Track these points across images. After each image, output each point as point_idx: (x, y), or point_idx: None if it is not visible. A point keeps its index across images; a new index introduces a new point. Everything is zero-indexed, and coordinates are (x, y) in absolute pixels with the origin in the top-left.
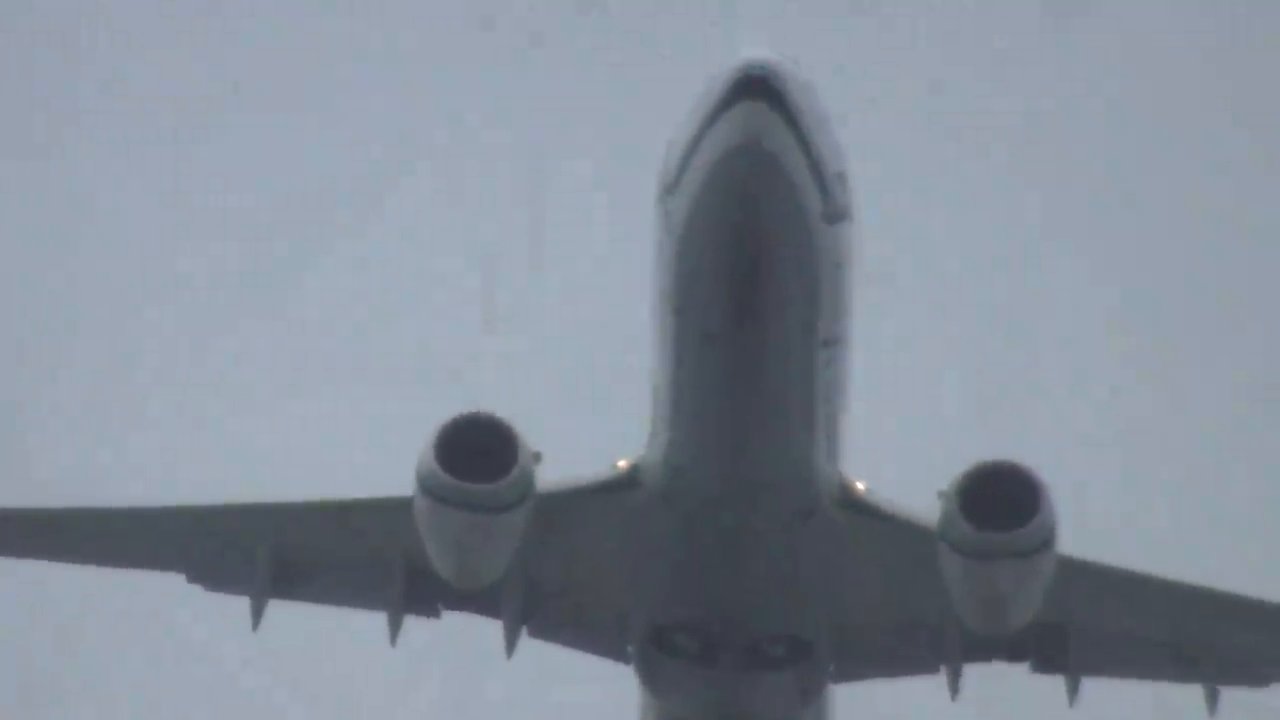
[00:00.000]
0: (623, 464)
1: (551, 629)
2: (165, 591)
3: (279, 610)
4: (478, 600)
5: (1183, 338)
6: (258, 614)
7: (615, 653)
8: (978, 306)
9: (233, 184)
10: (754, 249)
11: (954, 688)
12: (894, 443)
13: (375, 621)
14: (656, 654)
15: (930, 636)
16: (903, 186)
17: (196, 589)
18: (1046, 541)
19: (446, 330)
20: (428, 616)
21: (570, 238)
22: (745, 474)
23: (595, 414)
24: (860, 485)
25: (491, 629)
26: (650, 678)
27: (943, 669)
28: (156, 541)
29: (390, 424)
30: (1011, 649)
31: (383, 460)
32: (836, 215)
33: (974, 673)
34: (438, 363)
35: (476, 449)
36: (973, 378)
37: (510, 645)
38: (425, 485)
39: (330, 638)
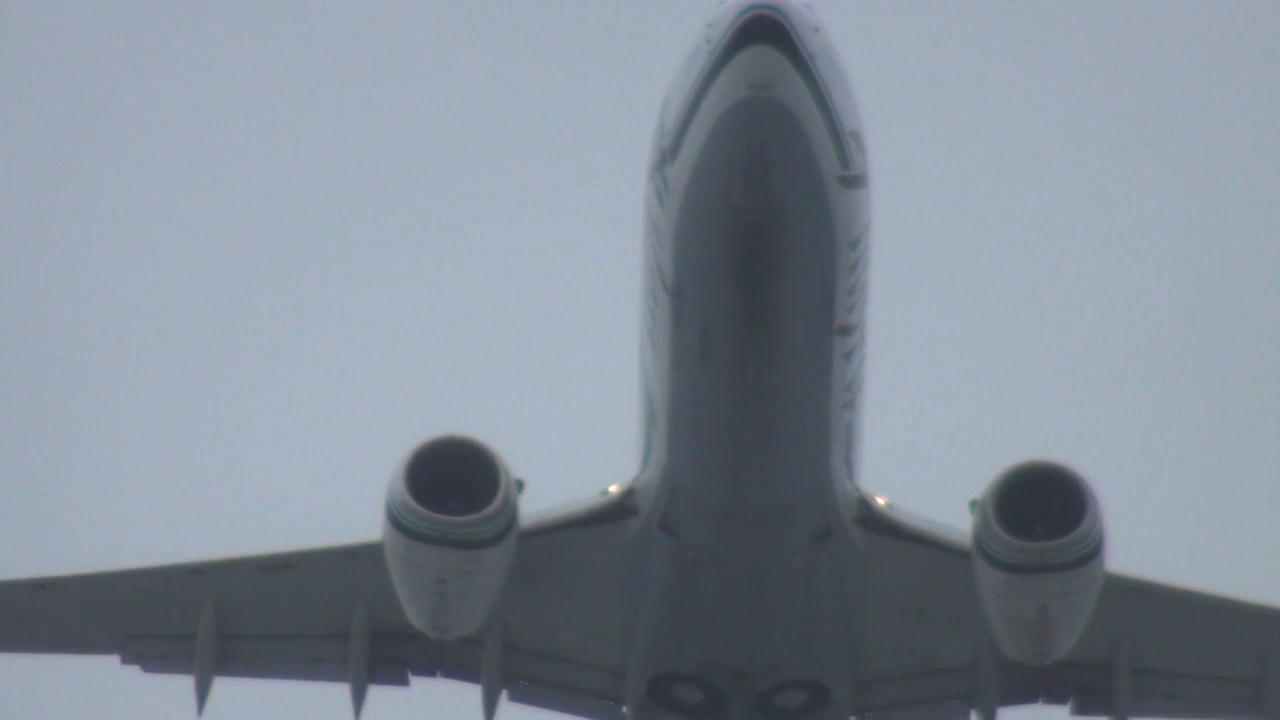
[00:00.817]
0: (614, 489)
1: (535, 690)
2: (95, 681)
3: (226, 689)
4: (451, 663)
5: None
6: (203, 695)
7: (607, 713)
8: (1005, 288)
9: None
10: (765, 218)
11: None
12: (913, 451)
13: (336, 695)
14: (655, 711)
15: (962, 676)
16: (914, 154)
17: (133, 671)
18: (1094, 550)
19: (413, 347)
20: (395, 685)
21: (551, 242)
22: (755, 490)
23: (582, 433)
24: (881, 500)
25: (467, 695)
26: None
27: (974, 716)
28: (79, 616)
29: (351, 454)
30: (1050, 688)
31: (345, 500)
32: (854, 180)
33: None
34: (405, 383)
35: (453, 477)
36: (1001, 373)
37: (489, 712)
38: (396, 519)
39: (285, 716)
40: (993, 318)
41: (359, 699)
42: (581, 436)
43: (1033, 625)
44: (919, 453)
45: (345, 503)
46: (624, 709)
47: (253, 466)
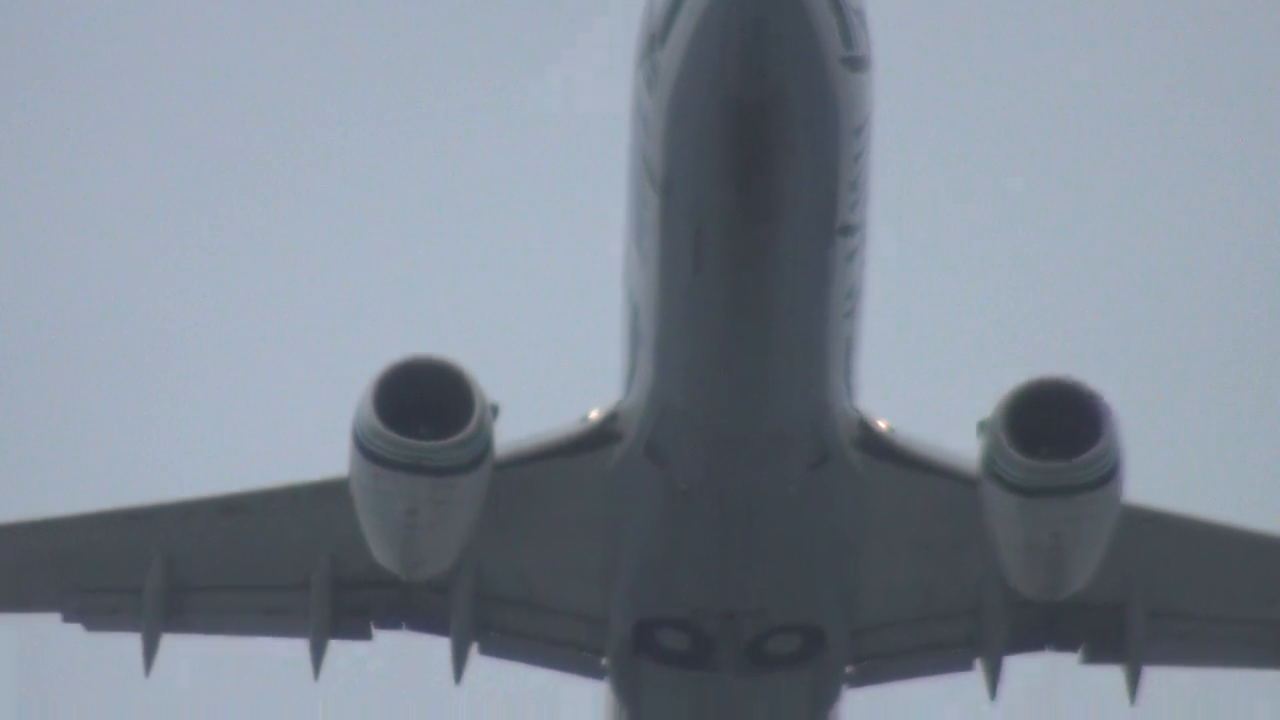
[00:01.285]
0: (596, 415)
1: (508, 642)
2: (36, 639)
3: (174, 646)
4: (417, 614)
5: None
6: (150, 654)
7: (585, 666)
8: (1012, 189)
9: None
10: (764, 102)
11: (993, 684)
12: (911, 372)
13: (293, 651)
14: (638, 660)
15: (966, 621)
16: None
17: (74, 630)
18: (1112, 472)
19: (375, 266)
20: (357, 639)
21: (524, 149)
22: (749, 409)
23: (560, 356)
24: (882, 423)
25: (434, 650)
26: (630, 692)
27: (978, 664)
28: (13, 569)
29: (311, 388)
30: (1059, 634)
31: (307, 440)
32: (858, 62)
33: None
34: (367, 307)
35: (423, 401)
36: (1008, 284)
37: (459, 666)
38: (364, 445)
39: (238, 675)
40: (998, 222)
41: (319, 654)
42: (559, 360)
43: (1045, 554)
44: (917, 373)
45: (308, 443)
46: (604, 660)
47: (205, 406)
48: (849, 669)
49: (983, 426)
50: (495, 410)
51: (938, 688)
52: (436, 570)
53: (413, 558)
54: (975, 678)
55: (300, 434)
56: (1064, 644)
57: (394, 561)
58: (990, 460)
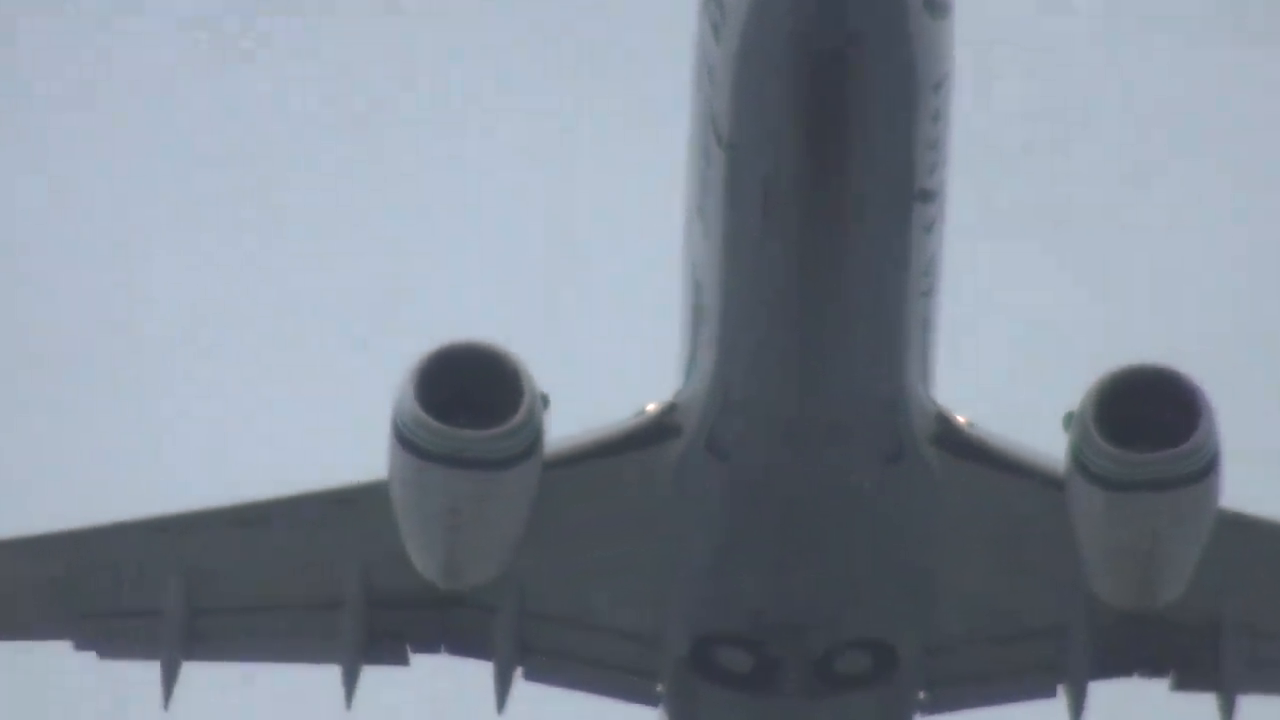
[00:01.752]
0: (652, 408)
1: (555, 666)
2: (40, 673)
3: (195, 675)
4: (458, 636)
5: None
6: (169, 683)
7: (638, 691)
8: (1098, 158)
9: None
10: (841, 49)
11: (1076, 712)
12: (987, 364)
13: (323, 679)
14: (696, 683)
15: (1048, 642)
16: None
17: (87, 659)
18: (1210, 465)
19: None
20: (392, 664)
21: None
22: (820, 395)
23: (614, 349)
24: (961, 419)
25: (475, 675)
26: (685, 717)
27: (1061, 690)
28: (19, 593)
29: (345, 384)
30: (1148, 658)
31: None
32: (940, 7)
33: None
34: (405, 293)
35: (468, 392)
36: (1091, 270)
37: (502, 693)
38: (404, 436)
39: (264, 706)
40: (1080, 195)
41: (351, 681)
42: (611, 351)
43: (1138, 557)
44: (992, 367)
45: (333, 450)
46: (658, 686)
47: (229, 409)
48: (921, 694)
49: (1069, 419)
50: (545, 401)
51: (1017, 717)
52: (480, 579)
53: (455, 563)
54: (1058, 705)
55: (327, 440)
56: (1153, 669)
57: (434, 568)
58: (1078, 453)
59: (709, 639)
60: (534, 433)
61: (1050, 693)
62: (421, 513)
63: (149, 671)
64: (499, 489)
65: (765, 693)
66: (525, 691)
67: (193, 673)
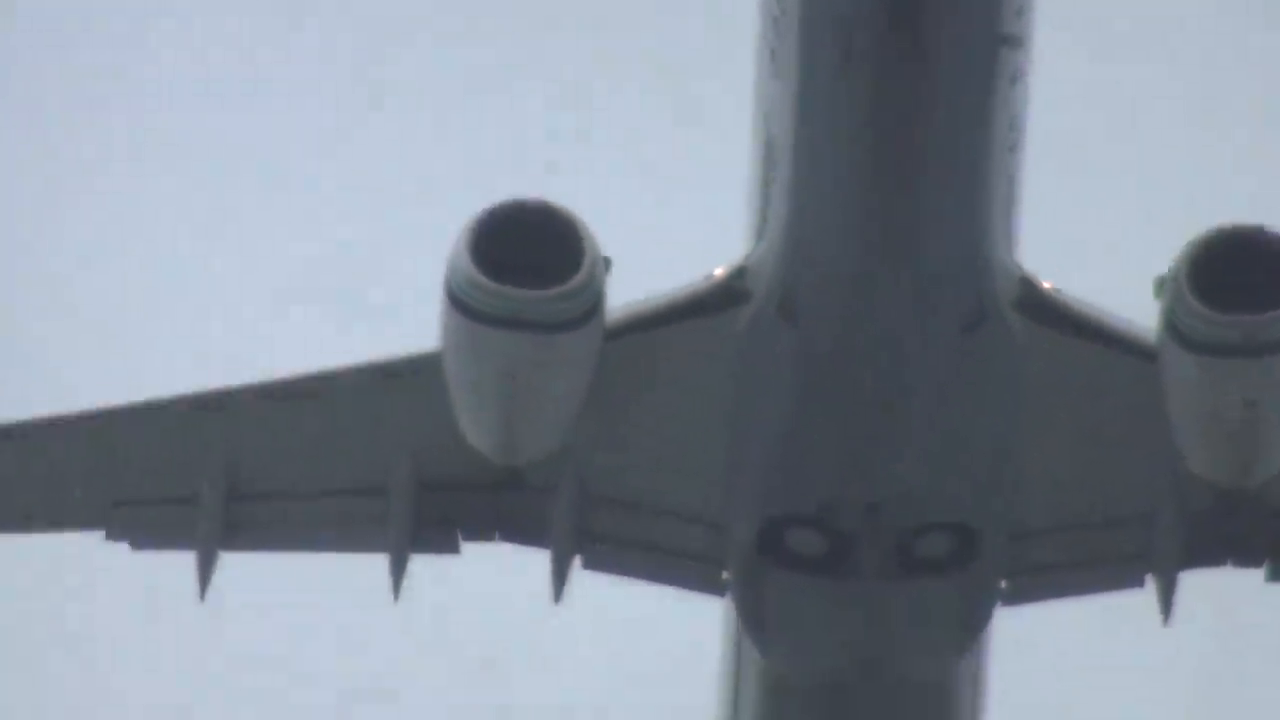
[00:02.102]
0: (720, 272)
1: (615, 554)
2: (68, 565)
3: (233, 566)
4: (513, 522)
5: None
6: (205, 574)
7: (704, 580)
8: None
9: None
10: None
11: (1166, 604)
12: (1071, 233)
13: (369, 569)
14: (765, 569)
15: (1137, 529)
16: None
17: (119, 550)
18: None
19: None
20: (443, 553)
21: None
22: (899, 250)
23: (677, 215)
24: (1046, 284)
25: (531, 565)
26: (755, 609)
27: (1150, 580)
28: (48, 478)
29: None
30: (1242, 546)
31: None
32: None
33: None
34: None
35: (525, 254)
36: (1185, 133)
37: (559, 583)
38: (458, 298)
39: (306, 598)
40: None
41: (399, 571)
42: (675, 216)
43: (1234, 426)
44: (1077, 234)
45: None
46: (725, 573)
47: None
48: (1004, 584)
49: (1161, 283)
50: (607, 264)
51: (1103, 607)
52: (537, 453)
53: (511, 435)
54: (1146, 596)
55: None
56: (1248, 558)
57: (489, 442)
58: (1170, 317)
59: (779, 521)
60: (595, 295)
61: (1138, 582)
62: (476, 381)
63: (184, 563)
64: (558, 354)
65: (839, 577)
66: (584, 582)
67: (230, 564)
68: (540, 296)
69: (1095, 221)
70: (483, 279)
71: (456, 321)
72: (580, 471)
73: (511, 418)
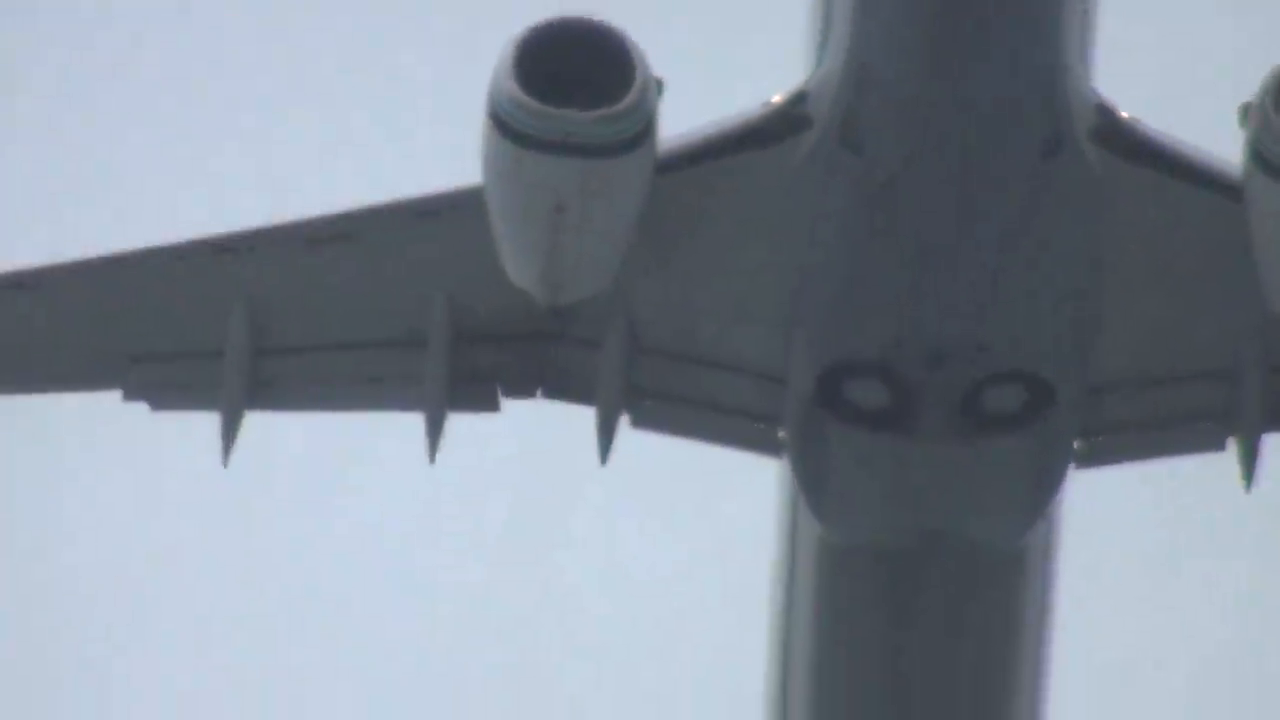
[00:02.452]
0: (779, 98)
1: (666, 411)
2: (90, 427)
3: (259, 426)
4: (557, 377)
5: None
6: (230, 436)
7: (759, 439)
8: None
9: None
10: None
11: (1249, 468)
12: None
13: (404, 428)
14: (825, 423)
15: (1218, 387)
16: None
17: (138, 411)
18: None
19: None
20: (482, 410)
21: None
22: (970, 70)
23: (730, 31)
24: (1124, 114)
25: (575, 423)
26: (813, 469)
27: (1232, 443)
28: (63, 330)
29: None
30: None
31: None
32: None
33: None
34: None
35: (572, 75)
36: None
37: (605, 442)
38: (501, 120)
39: (337, 460)
40: None
41: (435, 430)
42: (731, 40)
43: None
44: (1155, 61)
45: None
46: (781, 432)
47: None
48: (1077, 445)
49: (1246, 110)
50: (660, 86)
51: (1181, 470)
52: (585, 290)
53: (557, 270)
54: (1227, 460)
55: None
56: None
57: (534, 278)
58: (1256, 145)
59: (839, 369)
60: (646, 117)
61: (1219, 445)
62: (520, 211)
63: (207, 424)
64: (607, 180)
65: (902, 434)
66: (632, 443)
67: (256, 425)
68: (589, 118)
69: (1174, 50)
70: (528, 99)
71: (500, 146)
72: (629, 319)
73: (558, 251)
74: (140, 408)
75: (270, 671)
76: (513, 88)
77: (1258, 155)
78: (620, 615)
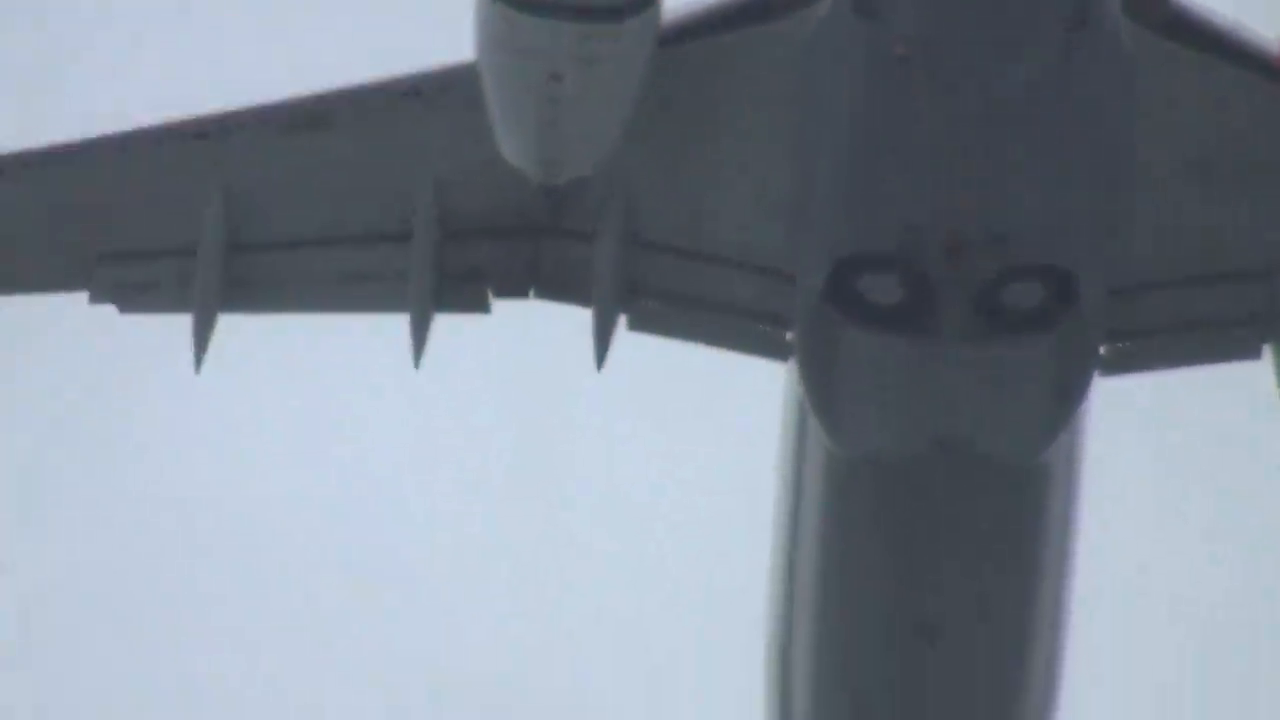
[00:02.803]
0: None
1: (665, 313)
2: (55, 332)
3: (233, 329)
4: (550, 275)
5: None
6: (202, 340)
7: (764, 342)
8: None
9: None
10: None
11: None
12: None
13: (388, 330)
14: (835, 323)
15: (1256, 290)
16: None
17: (106, 314)
18: None
19: None
20: (471, 311)
21: None
22: None
23: None
24: None
25: (570, 325)
26: (822, 378)
27: (1268, 351)
28: (24, 223)
29: None
30: None
31: None
32: None
33: None
34: None
35: None
36: None
37: (602, 346)
38: None
39: (316, 365)
40: None
41: (421, 333)
42: None
43: None
44: None
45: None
46: (789, 335)
47: None
48: (1103, 350)
49: None
50: None
51: (1213, 379)
52: (583, 168)
53: (554, 145)
54: (1263, 369)
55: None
56: None
57: (529, 153)
58: None
59: (852, 263)
60: None
61: (1254, 353)
62: (515, 81)
63: (178, 328)
64: (605, 47)
65: (918, 333)
66: (629, 346)
67: (231, 329)
68: None
69: None
70: None
71: (493, 9)
72: (628, 208)
73: (555, 124)
74: (108, 310)
75: (249, 580)
76: None
77: None
78: (616, 532)
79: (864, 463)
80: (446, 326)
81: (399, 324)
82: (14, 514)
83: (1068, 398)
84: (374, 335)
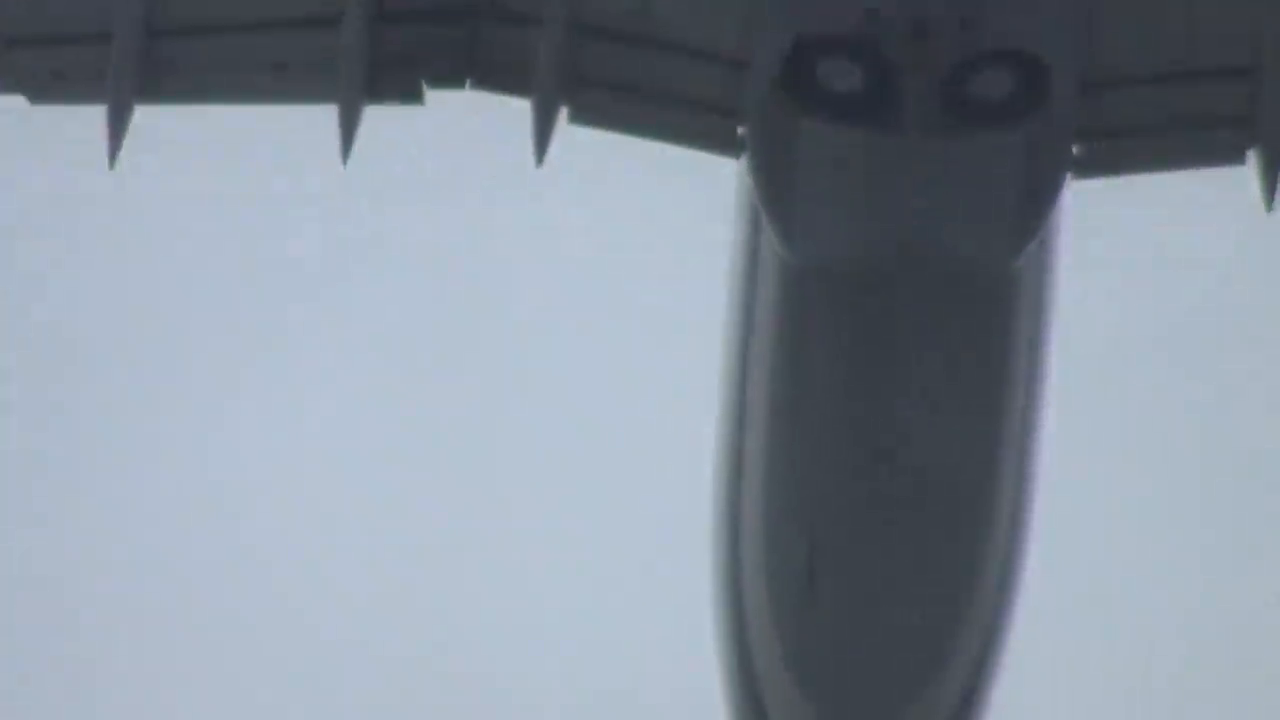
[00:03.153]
0: None
1: (610, 104)
2: None
3: (149, 122)
4: (487, 63)
5: None
6: (117, 132)
7: (714, 135)
8: None
9: None
10: None
11: (1270, 185)
12: None
13: (314, 122)
14: (789, 109)
15: (1238, 90)
16: None
17: (15, 104)
18: None
19: None
20: (404, 102)
21: None
22: None
23: None
24: None
25: (508, 117)
26: (776, 177)
27: (1252, 156)
28: None
29: None
30: None
31: None
32: None
33: None
34: None
35: None
36: None
37: (542, 140)
38: None
39: (236, 160)
40: None
41: (350, 125)
42: None
43: None
44: None
45: None
46: (740, 130)
47: None
48: (1076, 149)
49: None
50: None
51: (1195, 185)
52: None
53: None
54: (1246, 175)
55: None
56: None
57: None
58: None
59: (810, 46)
60: None
61: (1238, 157)
62: None
63: (92, 119)
64: None
65: (880, 126)
66: (570, 141)
67: (146, 121)
68: None
69: None
70: None
71: None
72: None
73: None
74: (17, 101)
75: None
76: None
77: None
78: (555, 341)
79: (819, 272)
80: (377, 118)
81: (327, 116)
82: None
83: (1039, 200)
84: (300, 130)
